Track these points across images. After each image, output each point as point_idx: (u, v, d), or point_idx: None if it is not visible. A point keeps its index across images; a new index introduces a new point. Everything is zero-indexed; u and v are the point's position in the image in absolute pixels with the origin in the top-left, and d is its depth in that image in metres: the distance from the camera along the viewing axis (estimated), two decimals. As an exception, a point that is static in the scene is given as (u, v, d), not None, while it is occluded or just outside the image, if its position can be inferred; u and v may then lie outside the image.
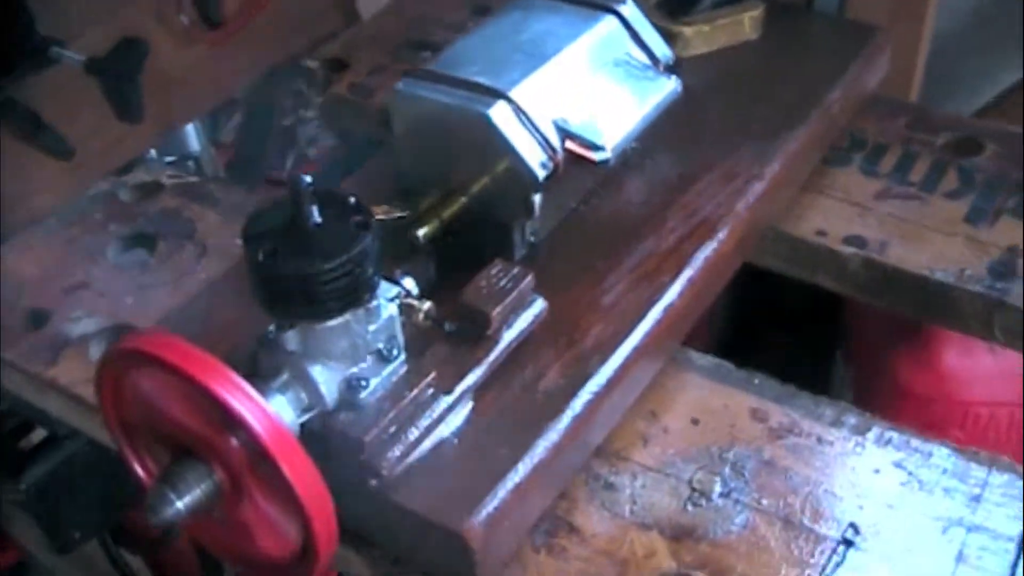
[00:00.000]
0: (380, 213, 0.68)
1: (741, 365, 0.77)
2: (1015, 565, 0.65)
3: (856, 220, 0.88)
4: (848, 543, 0.66)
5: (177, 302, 0.83)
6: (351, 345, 0.62)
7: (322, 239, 0.58)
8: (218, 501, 0.59)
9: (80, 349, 0.82)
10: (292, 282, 0.58)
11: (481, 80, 0.72)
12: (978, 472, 0.70)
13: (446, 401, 0.64)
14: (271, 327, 0.64)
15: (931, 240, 0.86)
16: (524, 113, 0.71)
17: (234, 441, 0.57)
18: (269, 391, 0.60)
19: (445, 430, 0.65)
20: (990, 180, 0.90)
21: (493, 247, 0.74)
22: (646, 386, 0.75)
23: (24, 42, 0.90)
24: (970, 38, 1.21)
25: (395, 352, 0.63)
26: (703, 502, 0.69)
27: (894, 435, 0.73)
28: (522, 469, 0.64)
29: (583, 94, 0.74)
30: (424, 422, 0.64)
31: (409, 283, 0.66)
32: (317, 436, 0.61)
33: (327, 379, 0.61)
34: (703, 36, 0.93)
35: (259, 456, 0.56)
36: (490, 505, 0.62)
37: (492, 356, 0.67)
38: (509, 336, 0.68)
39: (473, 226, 0.74)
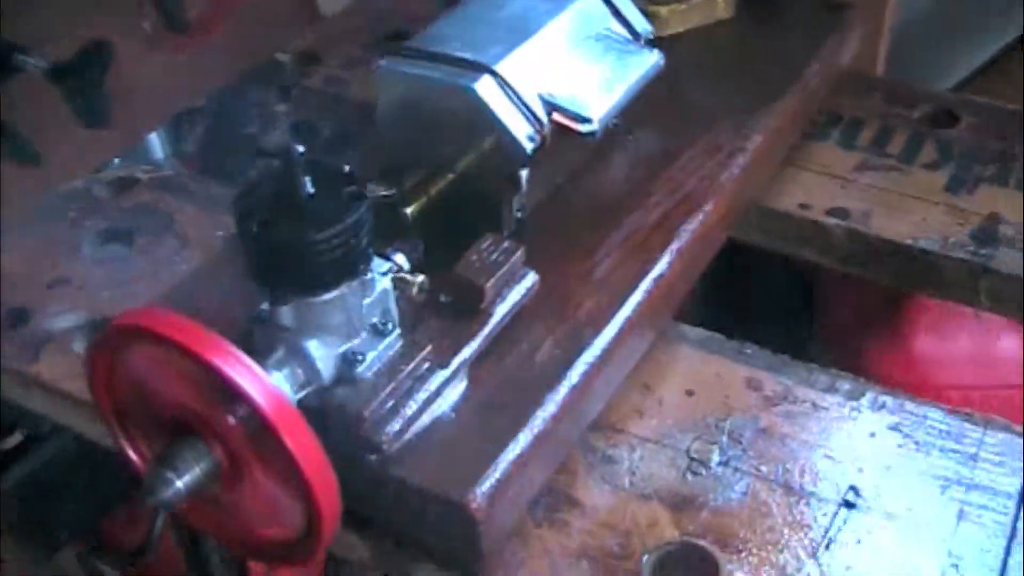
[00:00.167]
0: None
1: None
2: (1015, 521, 0.65)
3: (838, 192, 0.88)
4: (850, 505, 0.66)
5: (159, 294, 0.82)
6: (346, 320, 0.61)
7: (316, 209, 0.57)
8: (217, 481, 0.57)
9: (62, 344, 0.80)
10: (287, 253, 0.57)
11: (465, 55, 0.71)
12: (973, 432, 0.70)
13: (443, 375, 0.64)
14: (263, 305, 0.63)
15: (913, 209, 0.86)
16: (510, 87, 0.70)
17: (233, 417, 0.56)
18: (265, 368, 0.59)
19: (443, 404, 0.64)
20: (967, 151, 0.91)
21: (481, 224, 0.73)
22: (639, 359, 0.75)
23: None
24: (936, 20, 1.22)
25: (390, 326, 0.63)
26: (702, 471, 0.69)
27: (888, 399, 0.73)
28: (522, 440, 0.63)
29: (567, 68, 0.74)
30: (421, 396, 0.63)
31: (400, 259, 0.65)
32: (314, 412, 0.60)
33: (323, 354, 0.61)
34: (678, 15, 0.94)
35: (259, 431, 0.55)
36: (492, 476, 0.61)
37: (487, 329, 0.66)
38: (502, 309, 0.67)
39: (460, 203, 0.73)
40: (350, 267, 0.59)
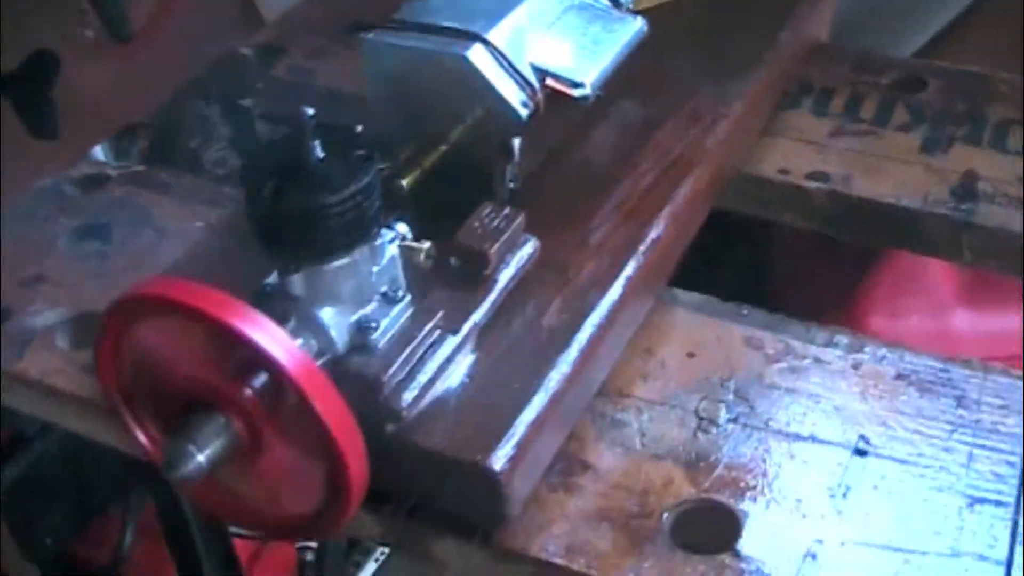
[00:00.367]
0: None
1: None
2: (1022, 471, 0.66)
3: (816, 157, 0.89)
4: (861, 453, 0.67)
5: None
6: (357, 287, 0.60)
7: (326, 174, 0.57)
8: (237, 454, 0.56)
9: (46, 341, 0.78)
10: (301, 219, 0.56)
11: (454, 25, 0.71)
12: (973, 378, 0.71)
13: (454, 341, 0.63)
14: (269, 278, 0.62)
15: (891, 171, 0.87)
16: (501, 54, 0.70)
17: (253, 385, 0.55)
18: (279, 338, 0.58)
19: (455, 370, 0.64)
20: (938, 113, 0.93)
21: (474, 195, 0.72)
22: (638, 326, 0.75)
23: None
24: None
25: (400, 293, 0.62)
26: (712, 429, 0.69)
27: (886, 351, 0.74)
28: (537, 402, 0.63)
29: (554, 36, 0.74)
30: (435, 363, 0.62)
31: (403, 227, 0.65)
32: (329, 383, 0.59)
33: (337, 323, 0.60)
34: (651, -10, 0.94)
35: (282, 397, 0.54)
36: (513, 438, 0.60)
37: (493, 295, 0.66)
38: (507, 275, 0.67)
39: (453, 175, 0.73)
40: (363, 231, 0.58)
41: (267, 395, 0.55)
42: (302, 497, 0.58)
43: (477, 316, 0.65)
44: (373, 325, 0.60)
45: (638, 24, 0.77)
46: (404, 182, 0.70)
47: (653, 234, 0.73)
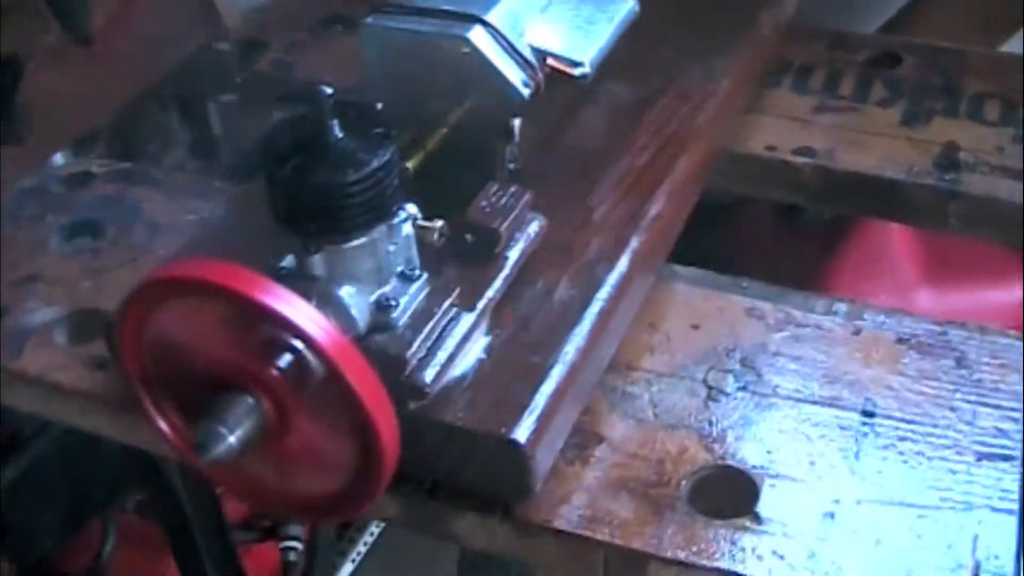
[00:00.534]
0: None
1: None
2: (1026, 413, 0.68)
3: (801, 133, 0.90)
4: (869, 415, 0.68)
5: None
6: (376, 266, 0.61)
7: (347, 151, 0.57)
8: (266, 434, 0.56)
9: (44, 338, 0.78)
10: (323, 196, 0.56)
11: (452, 7, 0.71)
12: (971, 340, 0.73)
13: (470, 318, 0.64)
14: (284, 261, 0.62)
15: (874, 144, 0.89)
16: (501, 35, 0.70)
17: (280, 364, 0.55)
18: (301, 318, 0.58)
19: (472, 347, 0.64)
20: (915, 88, 0.95)
21: (474, 177, 0.73)
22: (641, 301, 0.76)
23: None
24: None
25: (417, 272, 0.62)
26: (722, 398, 0.70)
27: (884, 317, 0.75)
28: (556, 374, 0.63)
29: (549, 17, 0.75)
30: (453, 340, 0.63)
31: (412, 208, 0.65)
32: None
33: (357, 302, 0.60)
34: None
35: (312, 372, 0.54)
36: (536, 410, 0.61)
37: (505, 271, 0.67)
38: (516, 252, 0.68)
39: (454, 157, 0.73)
40: (383, 209, 0.58)
41: (295, 372, 0.55)
42: (330, 476, 0.58)
43: (491, 293, 0.65)
44: (393, 303, 0.61)
45: (629, 4, 0.78)
46: (409, 164, 0.70)
47: (654, 210, 0.74)
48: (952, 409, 0.69)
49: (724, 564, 0.61)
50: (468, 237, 0.65)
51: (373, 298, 0.61)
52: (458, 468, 0.63)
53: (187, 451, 0.60)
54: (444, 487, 0.65)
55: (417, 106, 0.73)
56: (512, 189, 0.68)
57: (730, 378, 0.71)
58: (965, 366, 0.71)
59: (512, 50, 0.71)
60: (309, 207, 0.57)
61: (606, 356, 0.71)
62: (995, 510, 0.63)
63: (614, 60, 0.79)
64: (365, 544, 1.80)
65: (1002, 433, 0.67)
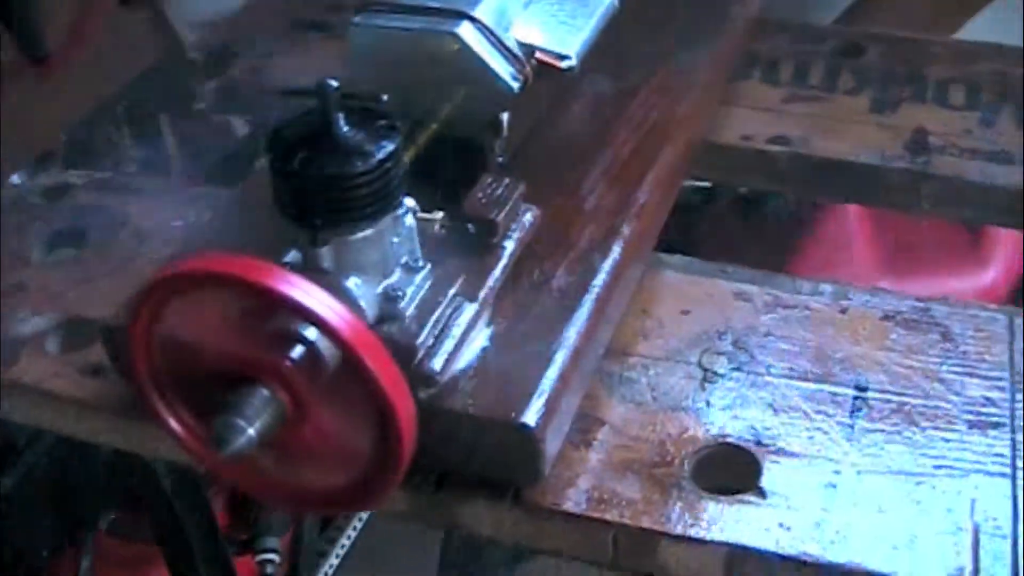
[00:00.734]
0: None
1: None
2: (1013, 378, 0.70)
3: (774, 122, 0.93)
4: (862, 389, 0.70)
5: (125, 289, 0.80)
6: (382, 257, 0.61)
7: (353, 143, 0.58)
8: (283, 427, 0.57)
9: (37, 346, 0.77)
10: (333, 188, 0.57)
11: (439, 4, 0.72)
12: (954, 314, 0.75)
13: (473, 307, 0.65)
14: (288, 255, 0.62)
15: (846, 131, 0.91)
16: (489, 30, 0.72)
17: (295, 354, 0.55)
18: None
19: (476, 335, 0.65)
20: (881, 76, 0.97)
21: (464, 172, 0.74)
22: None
23: None
24: None
25: (420, 263, 0.63)
26: (717, 379, 0.71)
27: (869, 296, 0.77)
28: (560, 359, 0.64)
29: (533, 13, 0.76)
30: (459, 329, 0.63)
31: (411, 201, 0.66)
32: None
33: (365, 293, 0.61)
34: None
35: (323, 364, 0.55)
36: (543, 394, 0.62)
37: (504, 261, 0.68)
38: (513, 242, 0.69)
39: (443, 153, 0.74)
40: (390, 199, 0.59)
41: (308, 362, 0.55)
42: (347, 466, 0.58)
43: (491, 282, 0.66)
44: (400, 294, 0.61)
45: (609, -1, 0.79)
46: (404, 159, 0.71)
47: (642, 198, 0.76)
48: (941, 381, 0.70)
49: (733, 538, 0.62)
50: (470, 227, 0.66)
51: (380, 289, 0.61)
52: (467, 456, 0.63)
53: (201, 449, 0.61)
54: (452, 477, 0.65)
55: (406, 103, 0.74)
56: (506, 181, 0.69)
57: (724, 359, 0.73)
58: (950, 339, 0.73)
59: (500, 45, 0.72)
60: (318, 199, 0.57)
61: (604, 341, 0.72)
62: (990, 474, 0.64)
63: (593, 54, 0.81)
64: (336, 556, 1.79)
65: (990, 402, 0.69)
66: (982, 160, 0.87)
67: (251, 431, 0.55)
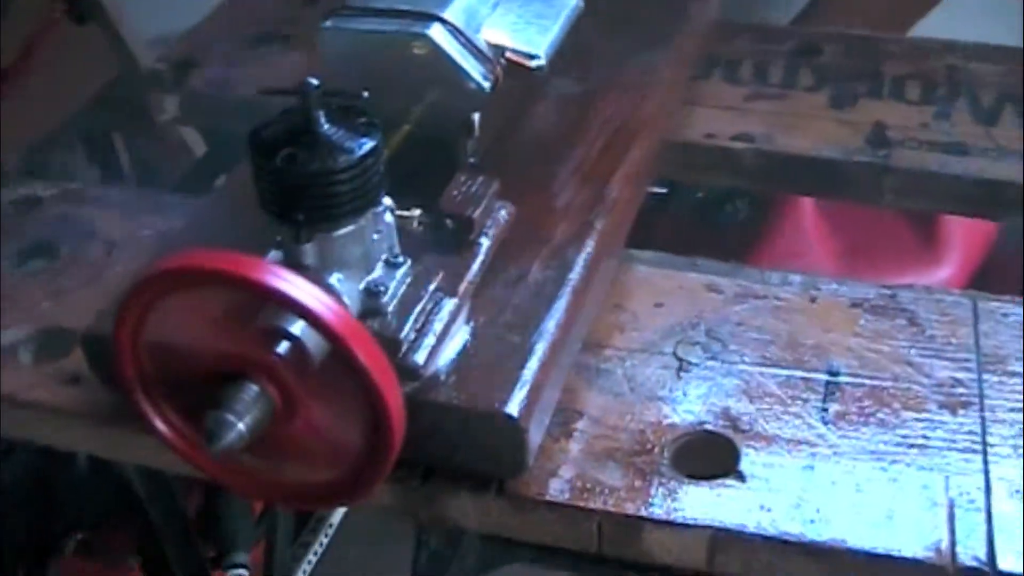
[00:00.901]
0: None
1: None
2: (977, 357, 0.72)
3: (737, 120, 0.94)
4: (834, 374, 0.72)
5: (99, 299, 0.80)
6: (364, 254, 0.62)
7: (335, 141, 0.58)
8: (272, 421, 0.57)
9: (10, 358, 0.77)
10: (316, 185, 0.58)
11: (409, 7, 0.73)
12: (919, 299, 0.77)
13: (453, 301, 0.65)
14: (271, 254, 0.63)
15: (808, 127, 0.93)
16: (459, 31, 0.73)
17: (283, 348, 0.56)
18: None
19: (457, 329, 0.66)
20: (839, 74, 1.00)
21: (436, 173, 0.75)
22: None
23: None
24: None
25: (401, 258, 0.64)
26: (692, 368, 0.73)
27: (836, 285, 0.79)
28: (539, 350, 0.65)
29: (501, 14, 0.77)
30: (440, 323, 0.64)
31: (388, 200, 0.67)
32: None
33: (348, 288, 0.61)
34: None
35: (309, 357, 0.55)
36: (525, 385, 0.63)
37: (481, 256, 0.68)
38: (489, 238, 0.70)
39: (415, 154, 0.75)
40: (372, 195, 0.60)
41: (296, 357, 0.56)
42: (335, 461, 0.59)
43: (470, 277, 0.67)
44: (382, 289, 0.62)
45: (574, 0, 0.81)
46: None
47: (613, 194, 0.77)
48: (910, 364, 0.72)
49: (716, 521, 0.63)
50: (449, 223, 0.67)
51: (362, 285, 0.62)
52: (452, 448, 0.64)
53: (188, 449, 0.61)
54: (437, 471, 0.66)
55: (378, 105, 0.74)
56: (480, 179, 0.70)
57: (698, 349, 0.74)
58: (917, 324, 0.75)
59: (471, 46, 0.73)
60: (301, 196, 0.58)
61: (581, 335, 0.73)
62: (961, 451, 0.66)
63: (558, 56, 0.82)
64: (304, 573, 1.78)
65: (959, 383, 0.71)
66: (940, 152, 0.89)
67: (241, 426, 0.55)
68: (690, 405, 0.70)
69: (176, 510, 0.87)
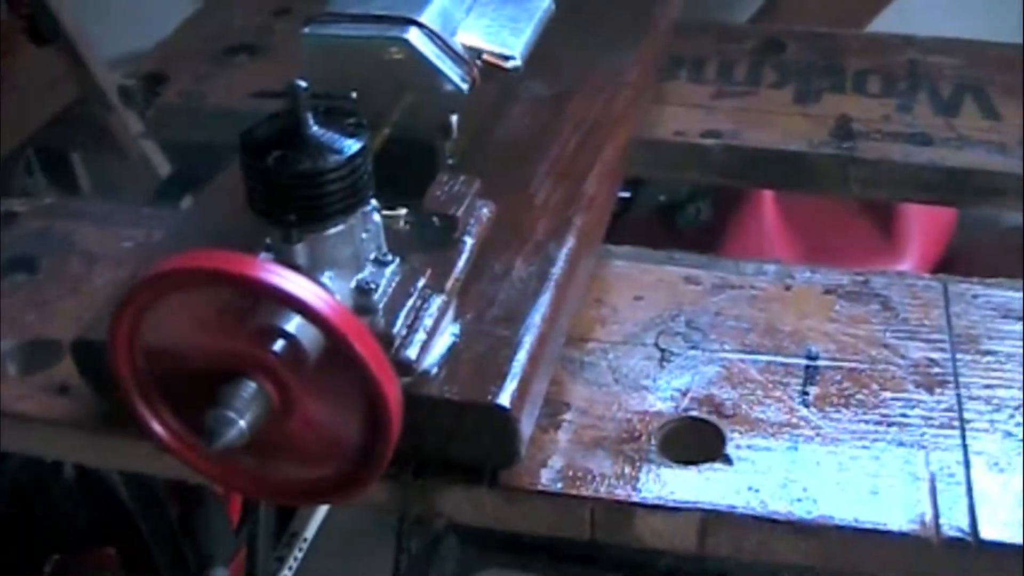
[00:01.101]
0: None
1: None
2: (951, 339, 0.74)
3: (705, 118, 0.96)
4: (813, 358, 0.73)
5: (83, 309, 0.80)
6: (353, 252, 0.63)
7: (324, 141, 0.59)
8: (271, 418, 0.58)
9: (-5, 372, 0.78)
10: (306, 185, 0.59)
11: (385, 12, 0.74)
12: (893, 284, 0.79)
13: (441, 298, 0.67)
14: (261, 254, 0.64)
15: (774, 122, 0.96)
16: (436, 35, 0.74)
17: (277, 348, 0.56)
18: (288, 308, 0.60)
19: (446, 325, 0.67)
20: (802, 70, 1.02)
21: (415, 175, 0.76)
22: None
23: None
24: None
25: (388, 257, 0.65)
26: (675, 358, 0.74)
27: (809, 273, 0.81)
28: (527, 343, 0.67)
29: (475, 17, 0.79)
30: (429, 320, 0.65)
31: (373, 201, 0.68)
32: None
33: (339, 287, 0.62)
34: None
35: (307, 355, 0.56)
36: (516, 377, 0.64)
37: (466, 254, 0.70)
38: (472, 236, 0.71)
39: (394, 157, 0.76)
40: (361, 195, 0.61)
41: (292, 354, 0.57)
42: (332, 457, 0.60)
43: (457, 274, 0.68)
44: (373, 286, 0.63)
45: (546, 2, 0.82)
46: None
47: (590, 191, 0.79)
48: (885, 346, 0.74)
49: (705, 503, 0.65)
50: (435, 221, 0.68)
51: (353, 284, 0.63)
52: (445, 442, 0.65)
53: (186, 451, 0.62)
54: (429, 466, 0.67)
55: (359, 108, 0.75)
56: (462, 178, 0.72)
57: (679, 339, 0.75)
58: (890, 308, 0.77)
59: (447, 48, 0.74)
60: (292, 196, 0.59)
61: (565, 328, 0.74)
62: (940, 426, 0.68)
63: (529, 61, 0.83)
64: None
65: (934, 363, 0.73)
66: (903, 143, 0.92)
67: (242, 423, 0.56)
68: (674, 393, 0.72)
69: (166, 521, 0.87)
